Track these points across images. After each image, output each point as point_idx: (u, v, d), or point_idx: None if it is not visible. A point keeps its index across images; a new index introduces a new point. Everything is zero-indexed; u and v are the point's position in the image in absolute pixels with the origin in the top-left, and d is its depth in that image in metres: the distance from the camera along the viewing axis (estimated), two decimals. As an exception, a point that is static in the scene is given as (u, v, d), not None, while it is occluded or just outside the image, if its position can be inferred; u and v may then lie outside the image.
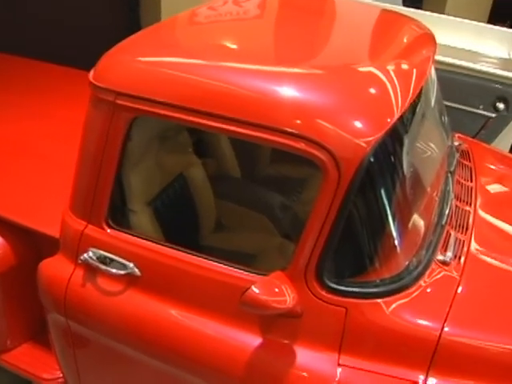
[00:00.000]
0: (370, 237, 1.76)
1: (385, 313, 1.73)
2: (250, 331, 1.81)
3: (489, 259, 2.06)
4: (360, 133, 1.62)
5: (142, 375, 2.10)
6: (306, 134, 1.61)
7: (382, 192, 1.74)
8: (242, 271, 1.78)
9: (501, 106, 4.11)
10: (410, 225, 1.88)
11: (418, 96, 2.17)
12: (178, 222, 2.38)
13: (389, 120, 1.68)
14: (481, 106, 4.14)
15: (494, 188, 2.63)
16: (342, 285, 1.72)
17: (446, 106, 4.12)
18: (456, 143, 2.60)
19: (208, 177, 2.59)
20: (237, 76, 1.77)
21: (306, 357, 1.77)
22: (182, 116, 1.76)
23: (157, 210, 2.26)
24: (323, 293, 1.72)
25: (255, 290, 1.60)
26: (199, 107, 1.73)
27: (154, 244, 1.92)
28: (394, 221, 1.78)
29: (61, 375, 2.39)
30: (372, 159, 1.62)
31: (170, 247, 1.89)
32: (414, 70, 2.02)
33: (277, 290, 1.65)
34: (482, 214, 2.26)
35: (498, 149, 3.81)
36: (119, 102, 1.82)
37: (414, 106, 2.04)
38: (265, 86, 1.70)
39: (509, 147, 4.26)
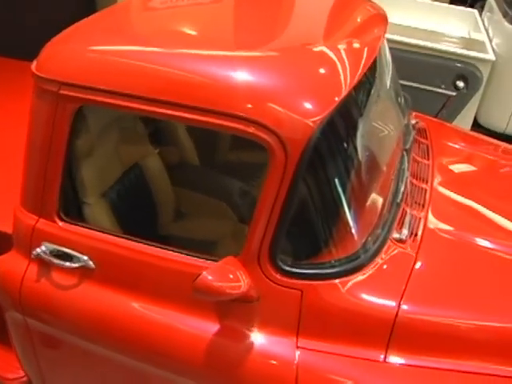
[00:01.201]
0: (323, 218, 1.74)
1: (341, 293, 1.72)
2: (207, 319, 1.79)
3: (447, 235, 2.06)
4: (306, 113, 1.60)
5: (103, 368, 2.07)
6: (255, 117, 1.60)
7: (333, 171, 1.72)
8: (195, 258, 1.76)
9: (461, 84, 4.14)
10: (363, 204, 1.87)
11: (372, 76, 2.16)
12: (135, 213, 2.35)
13: (336, 98, 1.66)
14: (442, 86, 4.15)
15: (454, 165, 2.64)
16: (296, 267, 1.71)
17: (408, 86, 4.16)
18: (413, 121, 2.60)
19: (166, 165, 2.56)
20: (186, 62, 1.74)
21: (264, 341, 1.75)
22: (130, 104, 1.73)
23: (112, 202, 2.22)
24: (278, 276, 1.70)
25: (206, 276, 1.58)
26: (148, 94, 1.70)
27: (107, 235, 1.89)
28: (346, 200, 1.76)
29: (24, 374, 2.35)
30: (320, 138, 1.60)
31: (124, 238, 1.86)
32: (365, 49, 2.01)
33: (229, 275, 1.63)
34: (440, 190, 2.27)
35: (458, 127, 3.83)
36: (63, 92, 1.78)
37: (365, 85, 2.03)
38: (216, 72, 1.68)
39: (470, 125, 4.28)
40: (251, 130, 1.61)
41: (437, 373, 1.74)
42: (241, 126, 1.61)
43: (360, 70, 1.84)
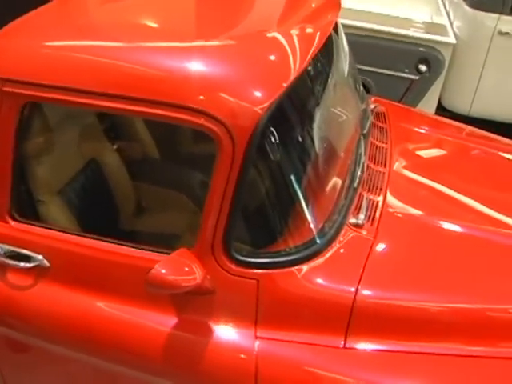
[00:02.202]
0: (276, 205, 1.73)
1: (298, 280, 1.71)
2: (165, 312, 1.77)
3: (406, 218, 2.06)
4: (253, 100, 1.59)
5: (66, 368, 2.04)
6: (203, 108, 1.59)
7: (284, 157, 1.70)
8: (150, 252, 1.73)
9: (423, 68, 4.16)
10: (318, 190, 1.86)
11: (327, 61, 2.15)
12: (93, 210, 2.31)
13: (284, 84, 1.65)
14: (406, 70, 4.17)
15: (414, 148, 2.64)
16: (251, 257, 1.69)
17: (372, 71, 4.16)
18: (371, 106, 2.59)
19: (125, 161, 2.52)
20: (135, 54, 1.73)
21: (223, 333, 1.74)
22: (78, 99, 1.70)
23: (68, 199, 2.19)
24: (233, 267, 1.68)
25: (158, 269, 1.55)
26: (97, 89, 1.67)
27: (60, 233, 1.86)
28: (299, 187, 1.75)
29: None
30: (268, 124, 1.59)
31: (77, 235, 1.83)
32: (317, 34, 2.00)
33: (182, 267, 1.60)
34: (399, 173, 2.26)
35: (420, 110, 3.85)
36: (7, 89, 1.74)
37: (318, 70, 2.01)
38: (166, 63, 1.67)
39: (434, 108, 4.30)
40: (201, 121, 1.59)
41: (398, 356, 1.74)
42: (192, 118, 1.60)
43: (309, 55, 1.83)
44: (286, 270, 1.70)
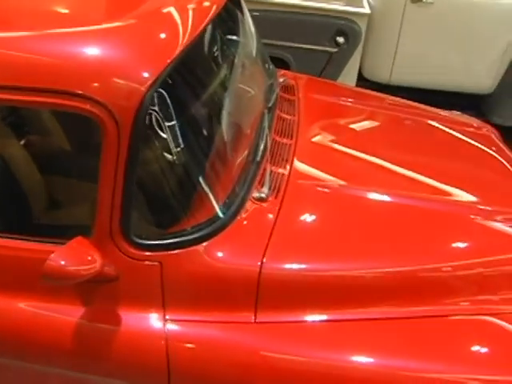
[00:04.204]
0: (171, 185, 1.70)
1: (202, 259, 1.69)
2: (71, 304, 1.72)
3: (316, 188, 2.05)
4: (136, 79, 1.56)
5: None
6: (87, 92, 1.54)
7: (175, 135, 1.66)
8: (45, 244, 1.68)
9: (341, 40, 4.18)
10: (217, 166, 1.84)
11: (226, 36, 2.12)
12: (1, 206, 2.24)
13: (168, 60, 1.61)
14: (324, 43, 4.18)
15: (327, 118, 2.64)
16: (151, 239, 1.66)
17: (291, 46, 4.16)
18: (280, 80, 2.57)
19: (33, 154, 2.45)
20: (23, 42, 1.66)
21: (131, 319, 1.70)
22: None
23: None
24: (134, 251, 1.65)
25: (52, 259, 1.51)
26: None
27: None
28: (195, 164, 1.72)
29: None
30: (153, 102, 1.55)
31: None
32: (213, 7, 1.98)
33: (78, 255, 1.56)
34: (308, 144, 2.25)
35: (338, 82, 3.88)
36: None
37: (214, 45, 1.99)
38: (52, 50, 1.63)
39: (355, 79, 4.33)
40: (87, 106, 1.55)
41: (310, 326, 1.74)
42: (79, 104, 1.55)
43: (199, 30, 1.80)
44: (188, 249, 1.68)
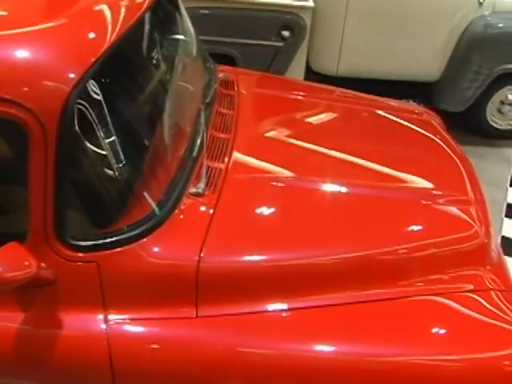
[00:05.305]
0: (104, 185, 1.69)
1: (140, 256, 1.68)
2: (11, 311, 1.70)
3: (256, 181, 2.07)
4: (60, 79, 1.55)
5: None
6: (12, 97, 1.52)
7: (105, 134, 1.65)
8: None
9: (286, 33, 4.21)
10: (151, 163, 1.83)
11: (159, 33, 2.12)
12: None
13: (93, 59, 1.61)
14: (270, 38, 4.19)
15: (267, 111, 2.65)
16: (86, 240, 1.65)
17: (237, 43, 4.16)
18: (219, 76, 2.57)
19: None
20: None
21: (72, 321, 1.68)
22: None
23: None
24: (69, 253, 1.63)
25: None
26: None
27: None
28: (127, 162, 1.71)
29: None
30: (79, 102, 1.54)
31: None
32: (145, 4, 1.97)
33: (11, 260, 1.54)
34: (248, 138, 2.26)
35: (284, 76, 3.89)
36: None
37: (144, 41, 1.98)
38: None
39: (303, 73, 4.36)
40: (13, 111, 1.52)
41: (255, 317, 1.75)
42: (6, 109, 1.52)
43: (126, 28, 1.79)
44: (125, 247, 1.67)
